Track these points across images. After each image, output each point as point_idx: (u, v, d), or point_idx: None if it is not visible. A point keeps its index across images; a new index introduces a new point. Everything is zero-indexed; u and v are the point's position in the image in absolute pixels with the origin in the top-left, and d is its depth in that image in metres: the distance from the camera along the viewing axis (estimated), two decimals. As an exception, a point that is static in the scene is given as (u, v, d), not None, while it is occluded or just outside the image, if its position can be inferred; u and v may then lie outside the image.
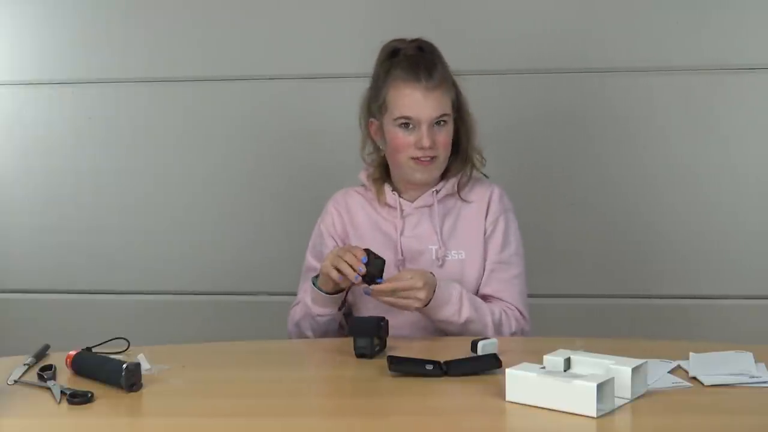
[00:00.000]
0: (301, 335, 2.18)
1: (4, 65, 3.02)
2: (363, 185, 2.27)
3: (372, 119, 2.20)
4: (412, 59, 2.15)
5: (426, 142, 2.11)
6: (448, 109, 2.15)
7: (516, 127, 2.79)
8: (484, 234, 2.19)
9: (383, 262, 2.02)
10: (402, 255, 2.17)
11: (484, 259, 2.18)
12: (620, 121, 2.80)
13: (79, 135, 3.00)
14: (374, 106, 2.19)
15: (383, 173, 2.24)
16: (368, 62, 2.82)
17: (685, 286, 2.83)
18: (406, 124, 2.12)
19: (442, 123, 2.13)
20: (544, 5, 2.80)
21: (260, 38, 2.90)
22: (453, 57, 2.76)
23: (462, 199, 2.21)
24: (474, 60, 2.79)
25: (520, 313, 2.15)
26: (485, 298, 2.15)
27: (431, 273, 2.05)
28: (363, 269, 1.97)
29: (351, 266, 1.98)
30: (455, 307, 2.05)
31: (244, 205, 2.96)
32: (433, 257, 2.17)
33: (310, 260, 2.25)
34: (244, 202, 2.96)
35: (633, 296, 2.84)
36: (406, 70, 2.13)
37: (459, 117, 2.19)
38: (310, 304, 2.13)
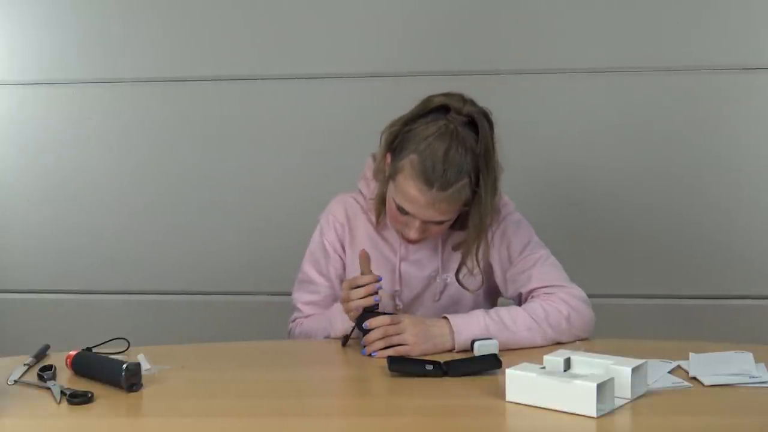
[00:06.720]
0: None
1: (3, 65, 3.01)
2: (361, 192, 2.18)
3: (389, 154, 2.02)
4: (436, 157, 1.90)
5: (413, 236, 2.00)
6: (452, 213, 1.99)
7: (516, 127, 2.79)
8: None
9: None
10: (400, 285, 2.12)
11: (482, 275, 2.12)
12: (622, 121, 2.80)
13: (78, 135, 3.00)
14: (390, 159, 2.01)
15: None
16: (369, 62, 2.85)
17: (685, 286, 2.83)
18: (404, 210, 1.99)
19: (440, 221, 2.00)
20: (544, 5, 2.80)
21: (260, 38, 2.90)
22: (454, 57, 2.80)
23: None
24: (476, 60, 2.80)
25: (560, 287, 2.04)
26: (528, 296, 2.07)
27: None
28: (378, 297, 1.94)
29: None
30: (480, 324, 1.96)
31: (243, 205, 2.95)
32: (435, 286, 2.12)
33: (311, 272, 2.19)
34: (244, 202, 2.95)
35: (633, 296, 2.84)
36: (422, 169, 1.91)
37: (475, 201, 1.98)
38: (339, 329, 2.04)
